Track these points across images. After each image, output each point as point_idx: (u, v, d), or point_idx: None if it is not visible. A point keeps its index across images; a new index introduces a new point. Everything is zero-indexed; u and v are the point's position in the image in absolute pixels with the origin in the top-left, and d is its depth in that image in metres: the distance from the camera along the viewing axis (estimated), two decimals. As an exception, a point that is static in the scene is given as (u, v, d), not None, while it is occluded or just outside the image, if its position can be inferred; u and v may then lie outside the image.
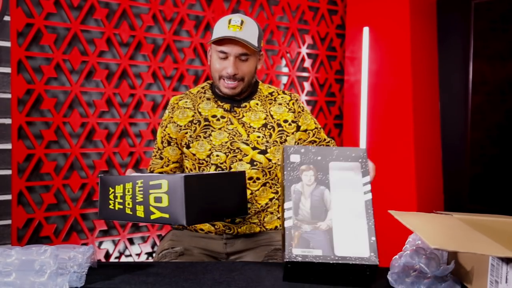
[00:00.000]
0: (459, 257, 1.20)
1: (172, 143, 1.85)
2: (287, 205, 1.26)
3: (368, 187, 1.25)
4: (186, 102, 1.86)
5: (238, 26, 1.74)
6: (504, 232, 1.23)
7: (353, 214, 1.22)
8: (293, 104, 1.86)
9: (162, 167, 1.87)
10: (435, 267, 1.17)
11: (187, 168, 1.87)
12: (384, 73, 3.50)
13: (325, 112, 3.69)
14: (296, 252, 1.22)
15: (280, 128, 1.82)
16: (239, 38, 1.72)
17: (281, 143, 1.82)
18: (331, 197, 1.24)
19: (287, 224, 1.25)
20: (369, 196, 1.24)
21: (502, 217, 1.34)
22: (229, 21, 1.75)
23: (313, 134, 1.88)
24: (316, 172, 1.26)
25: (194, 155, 1.81)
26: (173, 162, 1.87)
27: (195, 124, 1.82)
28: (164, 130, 1.86)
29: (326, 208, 1.24)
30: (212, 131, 1.80)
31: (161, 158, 1.87)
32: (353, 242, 1.21)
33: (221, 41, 1.75)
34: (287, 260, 1.22)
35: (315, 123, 1.90)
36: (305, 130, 1.86)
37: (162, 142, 1.87)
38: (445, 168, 3.45)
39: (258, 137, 1.79)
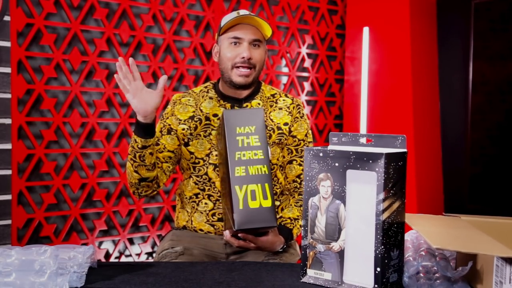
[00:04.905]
0: (468, 259, 1.19)
1: (172, 133, 1.81)
2: (304, 222, 1.28)
3: (381, 206, 1.16)
4: (189, 100, 1.85)
5: (248, 14, 1.78)
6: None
7: (363, 238, 1.19)
8: (293, 108, 1.86)
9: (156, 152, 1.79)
10: (452, 269, 1.17)
11: (182, 168, 1.87)
12: (384, 73, 3.50)
13: (325, 112, 3.69)
14: (310, 273, 1.27)
15: (279, 131, 1.82)
16: (255, 15, 1.76)
17: (278, 144, 1.82)
18: (345, 214, 1.22)
19: (303, 242, 1.28)
20: (381, 218, 1.16)
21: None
22: (238, 12, 1.79)
23: (297, 144, 1.85)
24: (333, 182, 1.23)
25: (191, 153, 1.80)
26: (168, 151, 1.80)
27: (196, 121, 1.81)
28: (165, 121, 1.83)
29: (340, 226, 1.22)
30: (212, 129, 1.79)
31: (157, 144, 1.80)
32: (361, 269, 1.19)
33: (233, 28, 1.78)
34: (302, 281, 1.28)
35: (306, 136, 1.86)
36: (294, 136, 1.85)
37: (160, 131, 1.82)
38: (445, 168, 3.45)
39: None
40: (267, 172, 1.52)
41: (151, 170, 1.73)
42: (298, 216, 1.80)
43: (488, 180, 3.47)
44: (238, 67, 1.77)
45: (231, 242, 1.61)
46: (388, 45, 3.48)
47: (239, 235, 1.57)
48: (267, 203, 1.50)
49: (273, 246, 1.65)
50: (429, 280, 1.17)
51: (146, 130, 1.66)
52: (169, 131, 1.82)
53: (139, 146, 1.66)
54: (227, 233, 1.58)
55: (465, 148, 3.46)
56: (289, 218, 1.79)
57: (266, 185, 1.51)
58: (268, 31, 1.81)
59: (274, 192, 1.83)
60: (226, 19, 1.79)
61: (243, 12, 1.79)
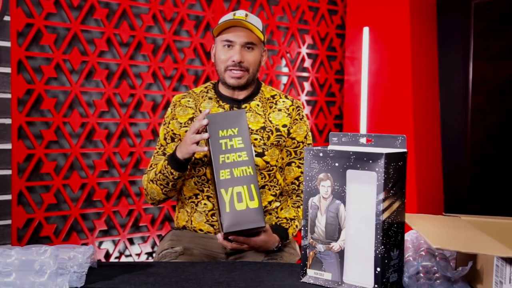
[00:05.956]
0: (468, 259, 1.19)
1: (176, 139, 1.83)
2: (304, 222, 1.29)
3: (381, 206, 1.16)
4: (189, 101, 1.86)
5: (243, 16, 1.77)
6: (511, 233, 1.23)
7: (363, 238, 1.19)
8: (292, 110, 1.85)
9: None
10: (452, 269, 1.17)
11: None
12: (384, 73, 3.50)
13: (325, 112, 3.69)
14: (310, 273, 1.27)
15: (278, 133, 1.82)
16: (246, 20, 1.75)
17: (277, 146, 1.82)
18: (345, 214, 1.22)
19: (303, 242, 1.28)
20: (381, 218, 1.16)
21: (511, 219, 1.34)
22: (234, 14, 1.79)
23: (296, 146, 1.85)
24: (333, 182, 1.23)
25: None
26: None
27: None
28: (168, 126, 1.85)
29: (340, 226, 1.22)
30: None
31: (164, 154, 1.84)
32: (361, 269, 1.19)
33: (226, 30, 1.78)
34: (302, 281, 1.28)
35: (306, 138, 1.86)
36: (293, 138, 1.84)
37: (165, 139, 1.85)
38: (445, 168, 3.45)
39: (256, 139, 1.78)
40: (252, 173, 1.52)
41: (177, 190, 1.82)
42: (294, 216, 1.80)
43: (488, 180, 3.47)
44: (230, 69, 1.78)
45: (224, 245, 1.61)
46: (388, 45, 3.48)
47: (229, 237, 1.57)
48: (254, 204, 1.50)
49: (267, 245, 1.65)
50: (429, 280, 1.17)
51: (184, 164, 1.71)
52: (172, 139, 1.84)
53: (175, 177, 1.73)
54: (219, 237, 1.59)
55: (465, 148, 3.46)
56: (285, 218, 1.79)
57: (252, 186, 1.52)
58: (259, 35, 1.80)
59: (274, 193, 1.84)
60: (221, 20, 1.80)
61: (239, 13, 1.78)
